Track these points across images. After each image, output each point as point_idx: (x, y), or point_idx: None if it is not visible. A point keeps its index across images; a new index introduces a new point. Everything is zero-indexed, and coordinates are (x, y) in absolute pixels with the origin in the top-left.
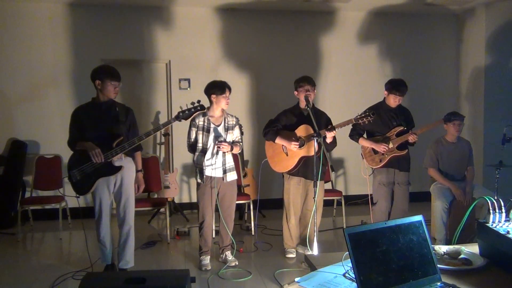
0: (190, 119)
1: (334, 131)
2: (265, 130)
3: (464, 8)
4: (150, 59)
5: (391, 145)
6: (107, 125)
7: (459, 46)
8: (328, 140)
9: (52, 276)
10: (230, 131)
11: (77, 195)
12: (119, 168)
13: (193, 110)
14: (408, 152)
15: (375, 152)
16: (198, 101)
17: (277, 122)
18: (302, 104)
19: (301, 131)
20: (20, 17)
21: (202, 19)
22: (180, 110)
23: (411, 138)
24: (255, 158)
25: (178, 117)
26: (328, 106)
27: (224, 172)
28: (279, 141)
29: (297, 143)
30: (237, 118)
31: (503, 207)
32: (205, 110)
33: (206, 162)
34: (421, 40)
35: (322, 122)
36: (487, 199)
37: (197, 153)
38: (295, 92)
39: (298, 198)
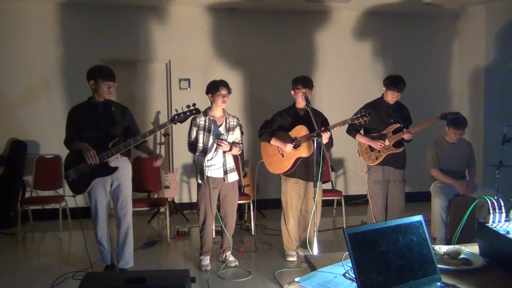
0: (190, 118)
1: (328, 132)
2: (261, 131)
3: (464, 8)
4: (150, 59)
5: (387, 143)
6: (102, 126)
7: (456, 45)
8: (324, 140)
9: (52, 276)
10: (231, 131)
11: (74, 194)
12: (114, 169)
13: (188, 113)
14: (404, 149)
15: (372, 149)
16: (194, 104)
17: (273, 123)
18: (299, 104)
19: (296, 131)
20: (19, 17)
21: (202, 19)
22: (176, 113)
23: (405, 136)
24: (251, 158)
25: (173, 120)
26: (323, 105)
27: (225, 173)
28: (274, 142)
29: (292, 144)
30: (237, 119)
31: (503, 207)
32: (200, 114)
33: (206, 163)
34: (418, 39)
35: (318, 122)
36: (487, 199)
37: (197, 153)
38: (292, 92)
39: (295, 200)
